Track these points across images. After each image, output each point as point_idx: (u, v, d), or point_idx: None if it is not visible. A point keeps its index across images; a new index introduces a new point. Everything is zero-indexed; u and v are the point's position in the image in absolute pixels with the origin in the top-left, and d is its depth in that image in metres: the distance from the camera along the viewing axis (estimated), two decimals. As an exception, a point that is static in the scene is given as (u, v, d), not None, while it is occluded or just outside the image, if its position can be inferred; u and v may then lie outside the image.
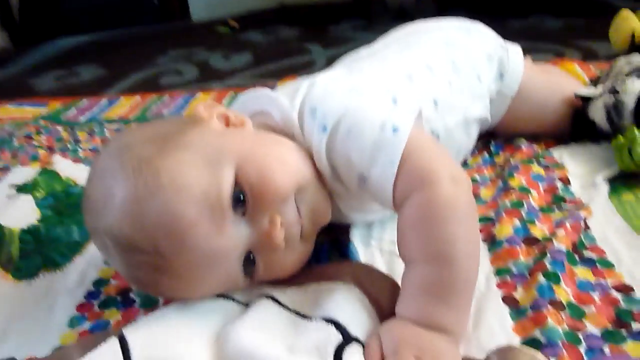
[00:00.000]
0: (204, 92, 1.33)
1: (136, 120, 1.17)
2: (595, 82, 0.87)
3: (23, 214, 0.76)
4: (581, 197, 0.66)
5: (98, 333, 0.54)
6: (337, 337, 0.46)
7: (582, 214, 0.62)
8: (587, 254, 0.57)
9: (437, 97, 0.67)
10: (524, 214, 0.63)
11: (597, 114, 0.74)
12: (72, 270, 0.65)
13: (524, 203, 0.65)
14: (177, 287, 0.50)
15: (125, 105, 1.27)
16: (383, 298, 0.51)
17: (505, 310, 0.51)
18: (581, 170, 0.72)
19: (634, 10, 1.16)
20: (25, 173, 0.88)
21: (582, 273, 0.54)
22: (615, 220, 0.62)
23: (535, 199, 0.66)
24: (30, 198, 0.79)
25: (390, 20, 1.92)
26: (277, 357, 0.44)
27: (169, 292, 0.52)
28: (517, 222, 0.62)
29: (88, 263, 0.66)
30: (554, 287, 0.51)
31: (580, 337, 0.47)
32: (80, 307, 0.59)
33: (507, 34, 0.83)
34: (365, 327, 0.48)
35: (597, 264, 0.55)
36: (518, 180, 0.70)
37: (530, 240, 0.59)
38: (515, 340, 0.47)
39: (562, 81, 0.85)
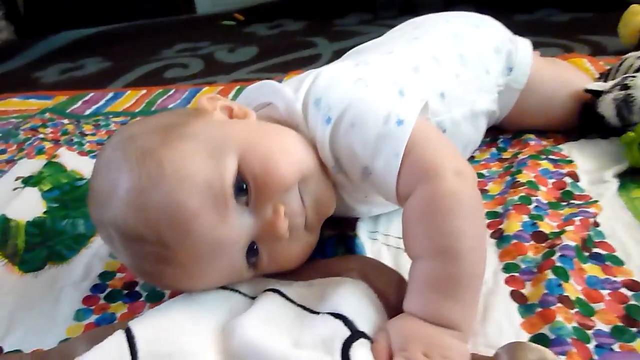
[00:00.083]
0: (210, 85, 1.32)
1: (141, 113, 1.17)
2: (604, 77, 0.86)
3: (29, 206, 0.76)
4: (590, 193, 0.66)
5: (104, 326, 0.54)
6: (344, 332, 0.45)
7: (591, 210, 0.61)
8: (596, 250, 0.56)
9: (444, 90, 0.66)
10: (532, 210, 0.63)
11: (607, 109, 0.73)
12: (78, 263, 0.65)
13: (533, 199, 0.64)
14: (182, 278, 0.50)
15: (131, 98, 1.26)
16: (390, 293, 0.51)
17: (513, 306, 0.51)
18: (590, 166, 0.71)
19: (643, 5, 1.15)
20: (31, 166, 0.89)
21: (591, 269, 0.54)
22: (624, 217, 0.61)
23: (543, 195, 0.66)
24: (36, 191, 0.79)
25: (397, 14, 1.92)
26: (283, 352, 0.44)
27: (174, 283, 0.52)
28: (525, 218, 0.61)
29: (94, 256, 0.66)
30: (563, 283, 0.51)
31: (590, 334, 0.47)
32: (86, 300, 0.59)
33: (514, 29, 0.82)
34: (373, 322, 0.48)
35: (607, 261, 0.55)
36: (526, 175, 0.69)
37: (539, 236, 0.58)
38: (524, 336, 0.47)
39: (571, 75, 0.84)
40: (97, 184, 0.51)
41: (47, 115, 1.16)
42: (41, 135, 1.03)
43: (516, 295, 0.52)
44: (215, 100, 0.58)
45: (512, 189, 0.67)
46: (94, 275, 0.63)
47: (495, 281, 0.54)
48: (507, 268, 0.56)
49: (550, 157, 0.74)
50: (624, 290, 0.51)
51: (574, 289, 0.51)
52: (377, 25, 1.81)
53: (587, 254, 0.56)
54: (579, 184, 0.68)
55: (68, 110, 1.22)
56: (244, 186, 0.49)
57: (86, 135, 1.03)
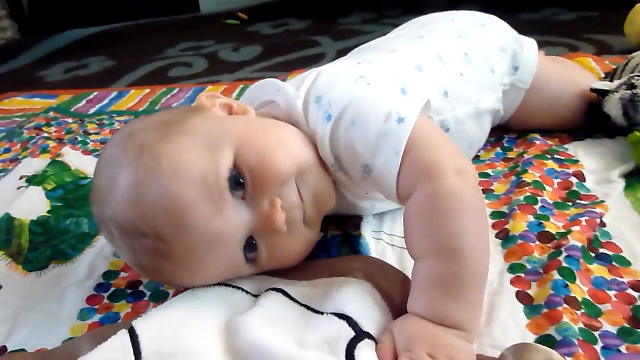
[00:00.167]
0: (213, 84, 1.32)
1: (145, 112, 1.17)
2: (610, 76, 0.85)
3: (33, 205, 0.76)
4: (596, 193, 0.65)
5: (108, 325, 0.54)
6: (349, 332, 0.45)
7: (598, 210, 0.61)
8: (603, 250, 0.56)
9: (447, 88, 0.66)
10: (538, 210, 0.62)
11: (613, 108, 0.73)
12: (82, 262, 0.65)
13: (538, 198, 0.64)
14: (180, 272, 0.50)
15: (135, 97, 1.26)
16: (395, 293, 0.51)
17: (519, 307, 0.50)
18: (596, 166, 0.71)
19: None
20: (35, 164, 0.88)
21: (598, 270, 0.54)
22: (631, 217, 0.61)
23: (549, 195, 0.65)
24: (40, 189, 0.79)
25: (401, 12, 1.92)
26: (288, 352, 0.44)
27: (173, 277, 0.52)
28: (531, 218, 0.61)
29: (98, 255, 0.66)
30: (569, 284, 0.50)
31: (596, 335, 0.46)
32: (90, 299, 0.59)
33: (519, 28, 0.81)
34: (377, 323, 0.48)
35: (613, 261, 0.55)
36: (532, 175, 0.69)
37: (545, 237, 0.58)
38: (530, 337, 0.47)
39: (577, 75, 0.84)
40: (98, 181, 0.51)
41: (51, 114, 1.16)
42: (45, 134, 1.03)
43: (522, 296, 0.51)
44: (215, 98, 0.58)
45: (518, 188, 0.67)
46: (98, 275, 0.63)
47: (500, 282, 0.54)
48: (512, 268, 0.55)
49: (556, 156, 0.73)
50: (630, 291, 0.51)
51: (580, 289, 0.50)
52: (382, 24, 1.81)
53: (593, 254, 0.55)
54: (585, 183, 0.68)
55: (72, 109, 1.22)
56: (241, 180, 0.49)
57: (90, 134, 1.03)
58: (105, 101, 1.26)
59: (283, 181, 0.51)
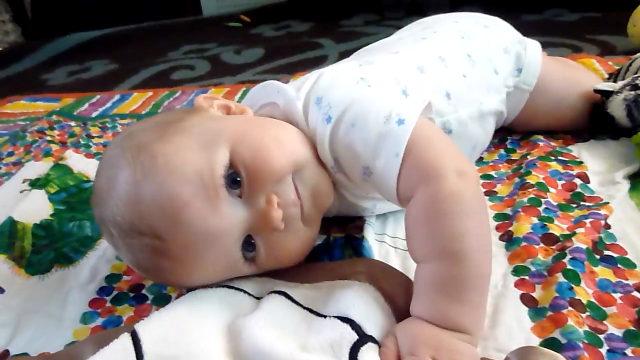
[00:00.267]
0: (216, 87, 1.32)
1: (148, 115, 1.17)
2: (614, 77, 0.85)
3: (36, 209, 0.76)
4: (601, 195, 0.65)
5: (110, 329, 0.54)
6: (352, 336, 0.45)
7: (602, 211, 0.60)
8: (608, 252, 0.56)
9: (449, 90, 0.66)
10: (542, 212, 0.62)
11: (617, 109, 0.72)
12: (85, 265, 0.65)
13: (542, 200, 0.64)
14: (178, 271, 0.50)
15: (137, 100, 1.27)
16: (398, 296, 0.50)
17: (523, 310, 0.50)
18: (600, 167, 0.71)
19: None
20: (38, 168, 0.89)
21: (603, 272, 0.53)
22: (636, 218, 0.60)
23: (553, 197, 0.65)
24: (43, 193, 0.79)
25: (403, 14, 1.91)
26: (291, 355, 0.44)
27: (171, 276, 0.52)
28: (535, 220, 0.61)
29: (100, 258, 0.66)
30: (574, 286, 0.50)
31: (602, 338, 0.46)
32: (93, 303, 0.59)
33: (522, 29, 0.81)
34: (381, 326, 0.48)
35: (618, 263, 0.54)
36: (536, 177, 0.68)
37: (549, 239, 0.58)
38: (535, 340, 0.46)
39: (581, 76, 0.83)
40: (98, 183, 0.52)
41: (54, 117, 1.16)
42: (48, 138, 1.03)
43: (526, 299, 0.51)
44: (212, 99, 0.59)
45: (521, 190, 0.67)
46: (101, 278, 0.63)
47: (504, 284, 0.53)
48: (516, 271, 0.55)
49: (560, 158, 0.73)
50: (636, 294, 0.50)
51: (585, 292, 0.50)
52: (384, 26, 1.81)
53: (598, 256, 0.55)
54: (589, 185, 0.67)
55: (75, 113, 1.22)
56: (237, 178, 0.50)
57: (93, 137, 1.03)
58: (108, 104, 1.26)
59: (279, 178, 0.51)
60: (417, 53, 0.70)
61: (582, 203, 0.64)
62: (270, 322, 0.47)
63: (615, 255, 0.55)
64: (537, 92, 0.76)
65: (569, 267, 0.52)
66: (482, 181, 0.72)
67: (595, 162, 0.72)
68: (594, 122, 0.78)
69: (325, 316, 0.48)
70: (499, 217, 0.64)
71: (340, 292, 0.50)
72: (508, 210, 0.65)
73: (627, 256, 0.55)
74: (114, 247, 0.53)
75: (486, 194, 0.69)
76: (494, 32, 0.77)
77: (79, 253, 0.67)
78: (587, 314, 0.48)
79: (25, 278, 0.64)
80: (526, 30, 0.82)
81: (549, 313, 0.48)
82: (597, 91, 0.76)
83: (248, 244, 0.51)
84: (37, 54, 2.04)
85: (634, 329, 0.47)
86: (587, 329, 0.46)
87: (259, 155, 0.50)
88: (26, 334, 0.56)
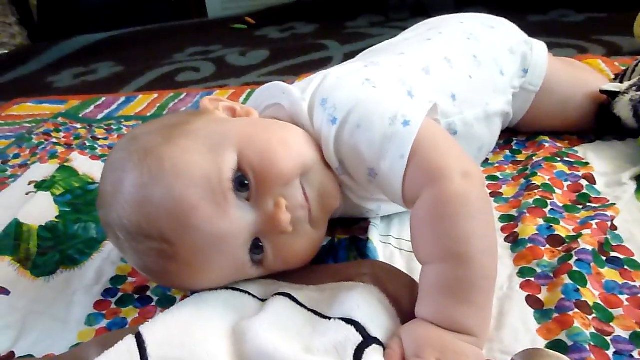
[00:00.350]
0: (221, 88, 1.32)
1: (153, 117, 1.17)
2: (620, 77, 0.85)
3: (41, 211, 0.76)
4: (607, 196, 0.65)
5: (115, 331, 0.54)
6: (357, 338, 0.45)
7: (609, 213, 0.60)
8: (614, 254, 0.55)
9: (455, 91, 0.66)
10: (548, 213, 0.62)
11: (623, 110, 0.72)
12: (90, 267, 0.65)
13: (548, 202, 0.63)
14: (186, 275, 0.50)
15: (143, 102, 1.27)
16: (403, 298, 0.50)
17: (529, 312, 0.50)
18: (607, 168, 0.70)
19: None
20: (43, 170, 0.89)
21: (609, 274, 0.53)
22: (643, 220, 0.60)
23: (559, 198, 0.65)
24: (48, 195, 0.80)
25: (408, 16, 1.91)
26: (295, 357, 0.43)
27: (179, 280, 0.52)
28: (540, 221, 0.60)
29: (105, 260, 0.66)
30: (580, 288, 0.50)
31: (608, 340, 0.46)
32: (98, 305, 0.59)
33: (528, 30, 0.81)
34: (385, 328, 0.47)
35: (625, 265, 0.54)
36: (541, 178, 0.68)
37: (555, 240, 0.57)
38: (540, 343, 0.46)
39: (587, 76, 0.83)
40: (104, 186, 0.52)
41: (60, 119, 1.17)
42: (54, 140, 1.03)
43: (532, 301, 0.51)
44: (218, 101, 0.59)
45: (527, 191, 0.66)
46: (106, 280, 0.63)
47: (510, 286, 0.53)
48: (522, 272, 0.55)
49: (566, 159, 0.73)
50: (643, 296, 0.50)
51: (591, 294, 0.50)
52: (388, 28, 1.80)
53: (604, 258, 0.55)
54: (595, 186, 0.67)
55: (80, 115, 1.22)
56: (245, 181, 0.49)
57: (98, 139, 1.03)
58: (114, 106, 1.26)
59: (287, 181, 0.51)
60: (422, 54, 0.69)
61: (588, 204, 0.64)
62: (275, 324, 0.47)
63: (621, 256, 0.55)
64: (543, 93, 0.76)
65: (575, 268, 0.52)
66: (487, 182, 0.71)
67: (602, 163, 0.71)
68: (600, 123, 0.77)
69: (329, 318, 0.48)
70: (504, 218, 0.64)
71: (345, 293, 0.50)
72: (513, 212, 0.64)
73: (633, 258, 0.55)
74: (120, 250, 0.53)
75: (491, 195, 0.69)
76: (499, 32, 0.77)
77: (84, 255, 0.67)
78: (594, 315, 0.48)
79: (30, 280, 0.64)
80: (532, 30, 0.82)
81: (555, 315, 0.48)
82: (603, 92, 0.75)
83: (255, 247, 0.51)
84: (43, 56, 2.05)
85: (641, 331, 0.46)
86: (593, 331, 0.46)
87: (266, 159, 0.50)
88: (31, 336, 0.56)
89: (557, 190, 0.66)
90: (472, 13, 0.82)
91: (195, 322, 0.48)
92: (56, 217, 0.75)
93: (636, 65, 0.82)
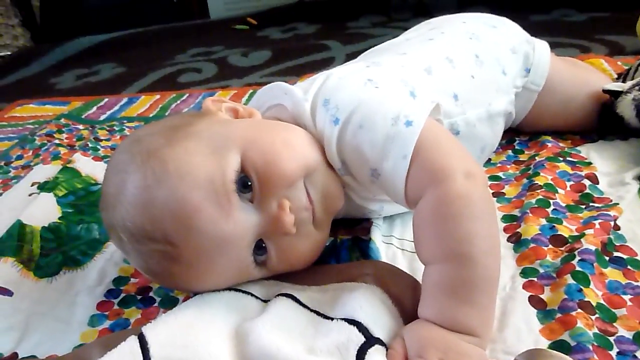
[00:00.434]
0: (223, 89, 1.33)
1: (155, 118, 1.17)
2: (623, 77, 0.85)
3: (44, 212, 0.76)
4: (610, 196, 0.65)
5: (118, 332, 0.54)
6: (359, 338, 0.45)
7: (612, 213, 0.60)
8: (617, 254, 0.55)
9: (457, 91, 0.66)
10: (550, 213, 0.62)
11: (626, 109, 0.72)
12: (93, 268, 0.65)
13: (551, 201, 0.63)
14: (190, 277, 0.50)
15: (145, 103, 1.27)
16: (406, 298, 0.50)
17: (532, 312, 0.50)
18: (609, 168, 0.70)
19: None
20: (46, 171, 0.89)
21: (612, 274, 0.53)
22: (646, 220, 0.60)
23: (562, 198, 0.65)
24: (51, 196, 0.80)
25: (410, 16, 1.91)
26: (297, 358, 0.43)
27: (182, 282, 0.52)
28: (543, 221, 0.60)
29: (108, 261, 0.66)
30: (583, 288, 0.50)
31: (611, 340, 0.46)
32: (101, 306, 0.59)
33: (530, 29, 0.81)
34: (388, 328, 0.47)
35: (628, 265, 0.54)
36: (544, 178, 0.68)
37: (558, 240, 0.57)
38: (543, 343, 0.46)
39: (589, 76, 0.83)
40: (107, 187, 0.52)
41: (63, 120, 1.17)
42: (56, 141, 1.03)
43: (535, 301, 0.51)
44: (220, 102, 0.59)
45: (530, 191, 0.66)
46: (108, 281, 0.63)
47: (513, 286, 0.53)
48: (525, 273, 0.55)
49: (569, 159, 0.73)
50: (646, 296, 0.50)
51: (594, 294, 0.50)
52: (391, 28, 1.80)
53: (607, 258, 0.55)
54: (598, 186, 0.67)
55: (83, 116, 1.22)
56: (248, 182, 0.49)
57: (101, 140, 1.03)
58: (116, 107, 1.26)
59: (290, 183, 0.51)
60: (424, 54, 0.69)
61: (591, 204, 0.64)
62: (277, 325, 0.47)
63: (624, 256, 0.55)
64: (545, 93, 0.76)
65: (578, 268, 0.52)
66: (490, 182, 0.71)
67: (604, 162, 0.71)
68: (602, 122, 0.77)
69: (332, 318, 0.48)
70: (507, 218, 0.64)
71: (347, 294, 0.50)
72: (516, 212, 0.64)
73: (636, 257, 0.55)
74: (123, 252, 0.53)
75: (494, 195, 0.69)
76: (502, 32, 0.77)
77: (87, 256, 0.68)
78: (597, 316, 0.48)
79: (33, 281, 0.64)
80: (534, 30, 0.82)
81: (558, 315, 0.48)
82: (605, 91, 0.75)
83: (258, 248, 0.51)
84: (46, 57, 2.05)
85: (644, 331, 0.46)
86: (596, 331, 0.46)
87: (270, 160, 0.50)
88: (34, 337, 0.56)
89: (559, 190, 0.66)
90: (474, 13, 0.82)
91: (198, 323, 0.48)
92: (59, 218, 0.75)
93: (639, 65, 0.82)
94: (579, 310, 0.47)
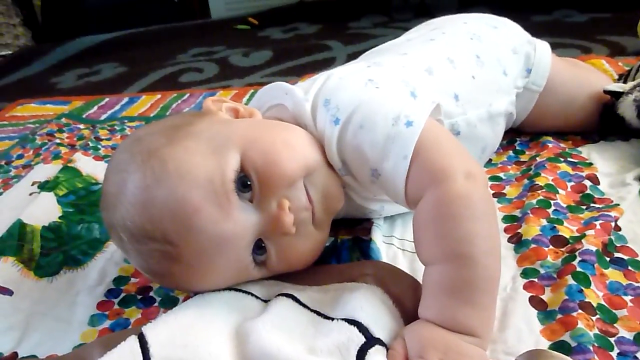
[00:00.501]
0: (224, 89, 1.33)
1: (156, 117, 1.17)
2: (624, 77, 0.84)
3: (45, 211, 0.76)
4: (611, 196, 0.65)
5: (118, 331, 0.54)
6: (360, 338, 0.45)
7: (612, 213, 0.60)
8: (618, 255, 0.55)
9: (458, 91, 0.66)
10: (551, 214, 0.61)
11: (627, 110, 0.72)
12: (93, 268, 0.65)
13: (552, 202, 0.63)
14: (189, 276, 0.50)
15: (146, 103, 1.27)
16: (406, 298, 0.50)
17: (532, 312, 0.50)
18: (610, 169, 0.70)
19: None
20: (47, 170, 0.89)
21: (613, 275, 0.53)
22: (647, 221, 0.60)
23: (563, 198, 0.65)
24: (52, 195, 0.80)
25: (411, 16, 1.91)
26: (298, 358, 0.43)
27: (182, 282, 0.52)
28: (544, 222, 0.60)
29: (108, 261, 0.66)
30: (584, 289, 0.50)
31: (612, 341, 0.46)
32: (101, 305, 0.59)
33: (531, 30, 0.81)
34: (388, 329, 0.47)
35: (629, 266, 0.54)
36: (545, 178, 0.68)
37: (559, 241, 0.57)
38: (544, 344, 0.46)
39: (591, 76, 0.83)
40: (107, 187, 0.52)
41: (64, 120, 1.17)
42: (57, 141, 1.03)
43: (535, 301, 0.51)
44: (221, 102, 0.59)
45: (531, 192, 0.66)
46: (109, 280, 0.63)
47: (513, 287, 0.53)
48: (525, 273, 0.54)
49: (569, 159, 0.73)
50: (647, 297, 0.50)
51: (595, 294, 0.50)
52: (392, 28, 1.80)
53: (608, 258, 0.55)
54: (599, 187, 0.67)
55: (84, 115, 1.23)
56: (248, 182, 0.49)
57: (102, 140, 1.03)
58: (117, 107, 1.26)
59: (290, 182, 0.51)
60: (425, 54, 0.69)
61: (592, 205, 0.64)
62: (278, 325, 0.47)
63: (625, 257, 0.55)
64: (546, 93, 0.76)
65: (578, 269, 0.52)
66: (490, 183, 0.71)
67: (605, 163, 0.71)
68: (603, 123, 0.77)
69: (332, 319, 0.48)
70: (507, 219, 0.64)
71: (348, 294, 0.50)
72: (517, 212, 0.64)
73: (637, 258, 0.55)
74: (123, 251, 0.53)
75: (495, 195, 0.69)
76: (503, 33, 0.77)
77: (87, 255, 0.68)
78: (597, 316, 0.48)
79: (34, 280, 0.64)
80: (535, 31, 0.82)
81: (559, 316, 0.48)
82: (606, 92, 0.75)
83: (258, 248, 0.51)
84: (47, 57, 2.05)
85: (645, 332, 0.46)
86: (597, 332, 0.46)
87: (270, 160, 0.50)
88: (35, 337, 0.56)
89: (560, 191, 0.66)
90: (475, 13, 0.82)
91: (198, 323, 0.48)
92: (59, 218, 0.75)
93: (639, 65, 0.82)
94: (580, 311, 0.47)
